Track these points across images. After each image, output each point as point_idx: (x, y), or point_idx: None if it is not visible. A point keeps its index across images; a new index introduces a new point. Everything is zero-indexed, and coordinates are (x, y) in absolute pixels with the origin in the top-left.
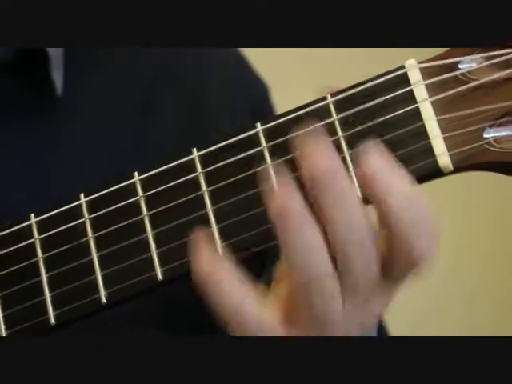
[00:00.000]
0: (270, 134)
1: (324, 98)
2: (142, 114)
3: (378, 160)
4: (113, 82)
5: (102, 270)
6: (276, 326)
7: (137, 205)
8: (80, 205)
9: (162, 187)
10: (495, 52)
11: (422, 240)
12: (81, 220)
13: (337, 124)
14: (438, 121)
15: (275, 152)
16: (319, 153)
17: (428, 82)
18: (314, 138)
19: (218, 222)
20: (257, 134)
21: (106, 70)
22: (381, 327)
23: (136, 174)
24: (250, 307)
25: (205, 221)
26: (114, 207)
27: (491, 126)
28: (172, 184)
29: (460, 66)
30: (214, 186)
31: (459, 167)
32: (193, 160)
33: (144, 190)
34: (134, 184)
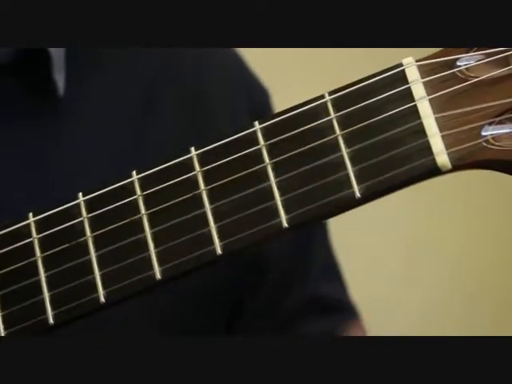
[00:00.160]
0: (267, 133)
1: (322, 97)
2: (142, 114)
3: None
4: (113, 82)
5: (100, 269)
6: None
7: (135, 204)
8: (78, 204)
9: (160, 186)
10: (493, 49)
11: None
12: (79, 219)
13: (335, 122)
14: (436, 119)
15: (273, 151)
16: None
17: (426, 79)
18: None
19: (216, 221)
20: (255, 132)
21: (106, 70)
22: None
23: (134, 173)
24: None
25: (203, 220)
26: (112, 206)
27: (489, 124)
28: (170, 183)
29: (458, 64)
30: (212, 185)
31: (457, 165)
32: (191, 159)
33: (142, 189)
34: (132, 183)
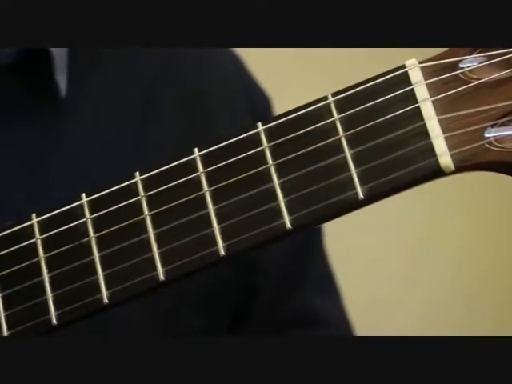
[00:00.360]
0: (271, 134)
1: (325, 98)
2: (142, 114)
3: None
4: (113, 82)
5: (103, 270)
6: None
7: (138, 205)
8: (81, 205)
9: (164, 187)
10: (497, 51)
11: None
12: (82, 220)
13: (338, 124)
14: (439, 120)
15: (276, 152)
16: None
17: (429, 81)
18: None
19: (219, 222)
20: (258, 133)
21: (106, 70)
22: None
23: (137, 173)
24: None
25: (206, 220)
26: (115, 207)
27: (492, 126)
28: (173, 184)
29: (461, 66)
30: (216, 186)
31: (460, 167)
32: (194, 160)
33: (145, 189)
34: (135, 184)
